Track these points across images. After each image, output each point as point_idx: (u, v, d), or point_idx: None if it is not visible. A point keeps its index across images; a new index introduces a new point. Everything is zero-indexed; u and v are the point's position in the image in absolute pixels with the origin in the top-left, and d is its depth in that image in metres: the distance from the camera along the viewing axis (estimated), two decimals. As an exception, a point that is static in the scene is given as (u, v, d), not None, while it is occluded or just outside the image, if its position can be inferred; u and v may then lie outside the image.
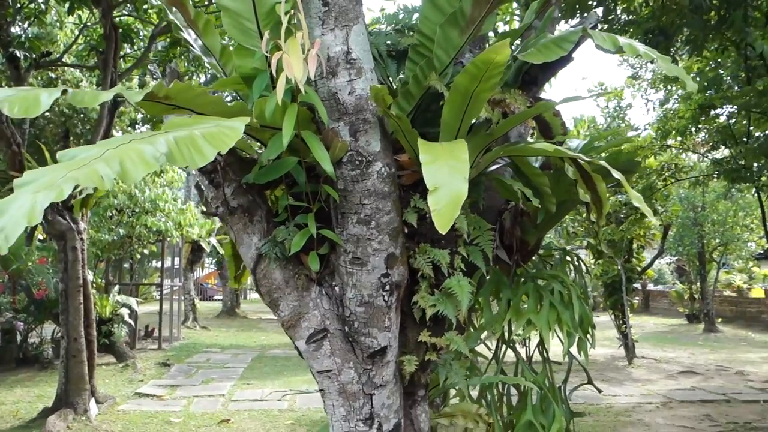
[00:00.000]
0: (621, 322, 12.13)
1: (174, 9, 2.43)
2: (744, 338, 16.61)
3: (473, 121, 2.18)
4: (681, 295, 21.34)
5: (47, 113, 11.66)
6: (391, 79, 2.44)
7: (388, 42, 2.42)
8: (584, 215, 9.92)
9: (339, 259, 2.19)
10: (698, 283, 19.39)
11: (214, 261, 28.20)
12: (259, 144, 2.46)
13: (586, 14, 6.44)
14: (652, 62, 2.27)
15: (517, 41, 2.83)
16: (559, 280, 3.05)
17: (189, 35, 2.57)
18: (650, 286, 25.85)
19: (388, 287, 2.17)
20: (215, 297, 31.13)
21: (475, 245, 2.53)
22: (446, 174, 1.76)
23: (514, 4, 5.94)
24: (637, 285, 23.56)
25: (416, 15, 2.57)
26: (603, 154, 3.29)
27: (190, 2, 2.26)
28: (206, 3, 7.49)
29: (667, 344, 15.07)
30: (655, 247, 15.01)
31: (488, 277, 3.01)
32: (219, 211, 2.26)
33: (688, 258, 19.86)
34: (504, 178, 2.53)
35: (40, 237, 12.03)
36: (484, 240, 2.57)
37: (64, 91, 1.69)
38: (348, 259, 2.16)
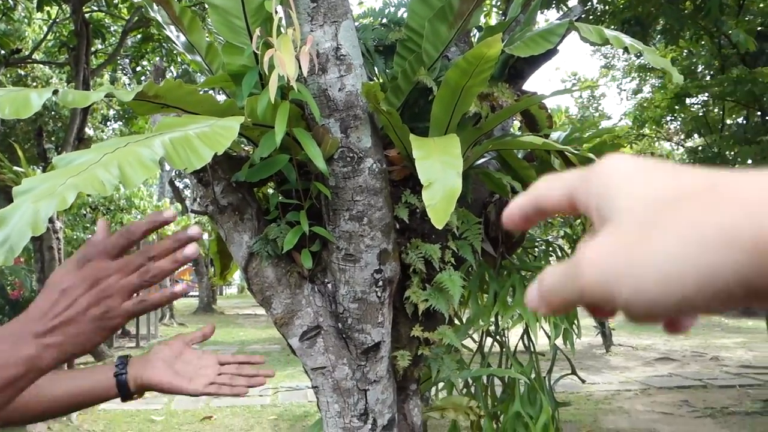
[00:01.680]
0: (598, 310, 12.26)
1: (156, 7, 2.40)
2: (717, 324, 16.93)
3: (462, 115, 2.18)
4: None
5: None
6: (378, 74, 2.43)
7: (375, 37, 2.42)
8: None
9: (331, 256, 2.19)
10: (673, 270, 19.64)
11: (189, 257, 27.91)
12: (245, 141, 2.45)
13: (563, 4, 6.49)
14: (639, 55, 2.29)
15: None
16: (545, 272, 3.07)
17: (171, 32, 2.54)
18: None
19: (380, 283, 2.18)
20: (190, 293, 30.88)
21: (464, 239, 2.54)
22: (440, 169, 1.76)
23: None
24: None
25: (402, 9, 2.56)
26: (585, 146, 3.33)
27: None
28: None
29: (644, 332, 15.30)
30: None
31: (475, 270, 3.03)
32: (209, 209, 2.25)
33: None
34: (492, 172, 2.54)
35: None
36: (473, 233, 2.58)
37: (55, 92, 1.67)
38: (340, 256, 2.15)
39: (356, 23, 2.58)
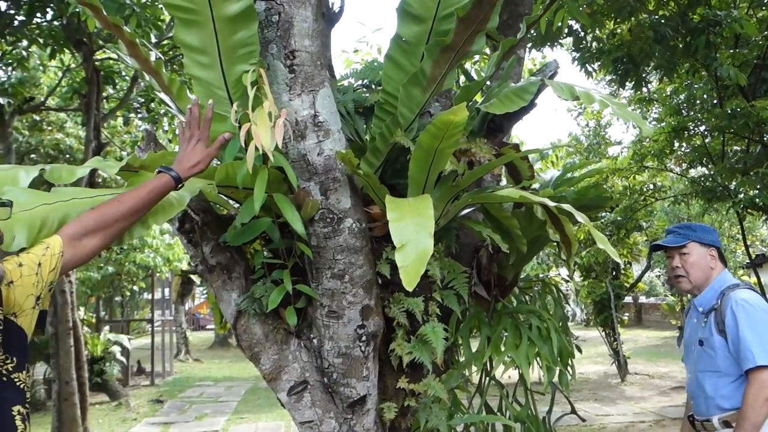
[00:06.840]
0: (612, 339, 12.19)
1: (148, 76, 2.51)
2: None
3: (440, 173, 2.26)
4: (672, 307, 21.41)
5: (33, 155, 11.71)
6: (360, 134, 2.52)
7: (355, 99, 2.51)
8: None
9: (316, 313, 2.26)
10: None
11: (205, 290, 28.13)
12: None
13: (558, 42, 6.60)
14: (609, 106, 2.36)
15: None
16: (537, 315, 3.11)
17: (165, 97, 2.66)
18: (642, 299, 25.94)
19: (364, 338, 2.24)
20: (208, 326, 30.99)
21: (450, 288, 2.60)
22: (412, 231, 1.83)
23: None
24: (629, 299, 23.63)
25: (381, 72, 2.66)
26: (574, 188, 3.39)
27: (164, 70, 2.34)
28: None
29: (660, 359, 15.11)
30: (642, 262, 15.13)
31: (468, 315, 3.08)
32: (198, 269, 2.33)
33: (677, 270, 19.93)
34: (474, 223, 2.61)
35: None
36: (459, 282, 2.64)
37: (42, 170, 1.77)
38: (324, 313, 2.23)
39: (340, 83, 2.68)
